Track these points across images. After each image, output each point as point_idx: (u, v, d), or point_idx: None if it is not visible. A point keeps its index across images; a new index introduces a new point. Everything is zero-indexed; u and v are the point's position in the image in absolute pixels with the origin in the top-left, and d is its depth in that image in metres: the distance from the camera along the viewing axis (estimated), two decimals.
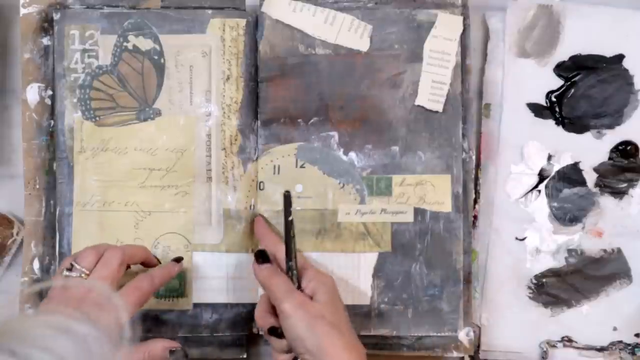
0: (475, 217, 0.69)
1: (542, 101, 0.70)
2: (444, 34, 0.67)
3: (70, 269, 0.57)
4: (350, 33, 0.68)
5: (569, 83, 0.70)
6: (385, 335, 0.67)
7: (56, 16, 0.67)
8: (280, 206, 0.67)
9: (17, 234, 0.68)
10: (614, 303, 0.69)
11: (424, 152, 0.67)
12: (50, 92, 0.67)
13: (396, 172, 0.67)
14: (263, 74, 0.68)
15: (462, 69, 0.68)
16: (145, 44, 0.67)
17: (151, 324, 0.66)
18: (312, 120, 0.68)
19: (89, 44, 0.67)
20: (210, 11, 0.67)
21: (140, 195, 0.66)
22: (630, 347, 0.69)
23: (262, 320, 0.61)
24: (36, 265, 0.66)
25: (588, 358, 0.69)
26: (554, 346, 0.69)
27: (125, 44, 0.67)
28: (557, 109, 0.70)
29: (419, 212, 0.67)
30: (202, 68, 0.67)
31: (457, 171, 0.67)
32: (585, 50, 0.70)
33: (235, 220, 0.67)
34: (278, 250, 0.62)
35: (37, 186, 0.67)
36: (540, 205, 0.70)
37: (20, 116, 0.67)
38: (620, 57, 0.70)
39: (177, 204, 0.67)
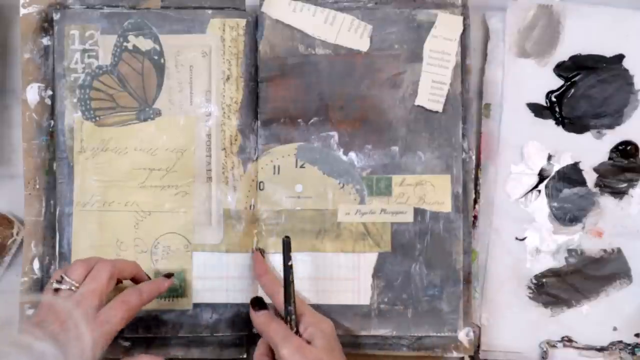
0: (475, 217, 0.69)
1: (542, 101, 0.70)
2: (444, 34, 0.67)
3: (60, 282, 0.57)
4: (350, 33, 0.68)
5: (569, 83, 0.70)
6: (385, 335, 0.67)
7: (56, 16, 0.67)
8: (280, 206, 0.67)
9: (17, 234, 0.68)
10: (614, 303, 0.69)
11: (424, 152, 0.67)
12: (50, 92, 0.67)
13: (396, 172, 0.67)
14: (263, 74, 0.68)
15: (462, 69, 0.68)
16: (145, 44, 0.67)
17: (151, 323, 0.66)
18: (312, 120, 0.68)
19: (89, 44, 0.67)
20: (210, 11, 0.67)
21: (140, 195, 0.66)
22: (630, 347, 0.69)
23: None
24: (36, 265, 0.66)
25: (588, 358, 0.69)
26: (554, 346, 0.69)
27: (125, 44, 0.67)
28: (557, 109, 0.70)
29: (418, 212, 0.67)
30: (202, 68, 0.67)
31: (457, 171, 0.67)
32: (585, 50, 0.70)
33: (235, 220, 0.67)
34: (276, 292, 0.63)
35: (37, 186, 0.67)
36: (540, 205, 0.70)
37: (20, 116, 0.67)
38: (620, 57, 0.70)
39: (177, 204, 0.67)
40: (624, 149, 0.70)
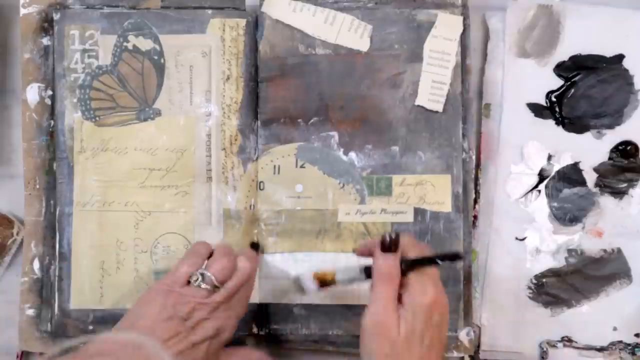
0: (475, 217, 0.69)
1: (542, 101, 0.70)
2: (444, 34, 0.67)
3: (202, 278, 0.57)
4: (350, 33, 0.68)
5: (569, 83, 0.70)
6: None
7: (56, 16, 0.67)
8: (280, 206, 0.67)
9: (17, 234, 0.68)
10: (614, 303, 0.69)
11: (424, 152, 0.67)
12: (50, 92, 0.67)
13: (396, 172, 0.67)
14: (263, 74, 0.68)
15: (462, 69, 0.68)
16: (145, 44, 0.67)
17: None
18: (312, 120, 0.68)
19: (89, 44, 0.67)
20: (210, 11, 0.67)
21: (140, 195, 0.66)
22: (630, 347, 0.69)
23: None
24: (36, 265, 0.66)
25: (588, 358, 0.69)
26: (554, 346, 0.69)
27: (125, 44, 0.67)
28: (557, 109, 0.70)
29: (419, 212, 0.67)
30: (202, 68, 0.67)
31: (457, 171, 0.67)
32: (585, 50, 0.70)
33: (235, 220, 0.67)
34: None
35: (37, 186, 0.67)
36: (540, 205, 0.70)
37: (20, 116, 0.67)
38: (620, 57, 0.70)
39: (177, 204, 0.67)
40: (624, 149, 0.70)
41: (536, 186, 0.70)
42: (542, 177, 0.70)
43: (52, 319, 0.66)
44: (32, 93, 0.67)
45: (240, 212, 0.67)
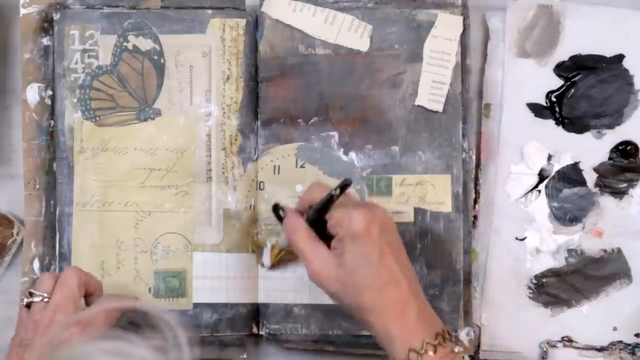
0: (475, 217, 0.69)
1: (542, 101, 0.70)
2: (444, 34, 0.67)
3: (30, 295, 0.57)
4: (350, 33, 0.68)
5: (569, 83, 0.70)
6: None
7: (56, 16, 0.67)
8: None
9: (17, 234, 0.68)
10: (614, 303, 0.69)
11: (424, 152, 0.67)
12: (50, 92, 0.67)
13: (396, 172, 0.67)
14: (263, 74, 0.68)
15: (462, 69, 0.68)
16: (145, 44, 0.67)
17: None
18: (312, 120, 0.68)
19: (89, 44, 0.67)
20: (210, 11, 0.67)
21: (140, 195, 0.66)
22: (630, 347, 0.69)
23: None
24: (36, 265, 0.66)
25: (588, 358, 0.69)
26: (554, 346, 0.69)
27: (125, 44, 0.67)
28: (557, 109, 0.70)
29: (419, 212, 0.67)
30: (202, 68, 0.67)
31: (457, 171, 0.67)
32: (585, 50, 0.70)
33: (235, 220, 0.67)
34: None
35: (37, 186, 0.67)
36: (540, 205, 0.70)
37: (20, 116, 0.67)
38: (620, 57, 0.70)
39: (177, 204, 0.67)
40: (624, 149, 0.70)
41: (536, 186, 0.70)
42: (542, 177, 0.70)
43: None
44: (32, 93, 0.67)
45: (240, 212, 0.67)
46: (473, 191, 0.69)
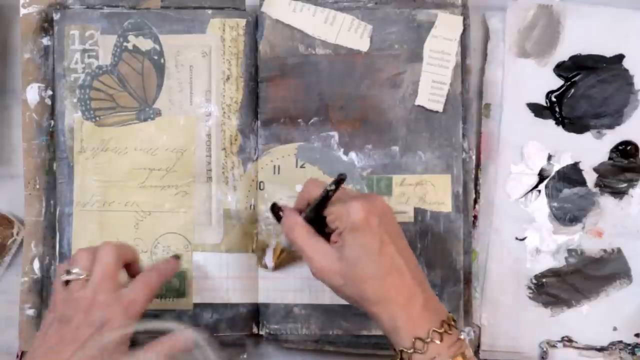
0: (475, 217, 0.69)
1: (542, 101, 0.70)
2: (444, 34, 0.67)
3: (69, 273, 0.56)
4: (350, 33, 0.68)
5: (569, 83, 0.70)
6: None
7: (56, 16, 0.67)
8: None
9: (17, 234, 0.68)
10: (614, 303, 0.69)
11: (424, 152, 0.67)
12: (50, 92, 0.67)
13: (396, 172, 0.67)
14: (263, 74, 0.68)
15: (462, 69, 0.68)
16: (145, 44, 0.67)
17: None
18: (312, 120, 0.68)
19: (89, 44, 0.67)
20: (210, 11, 0.67)
21: (140, 195, 0.66)
22: (630, 347, 0.69)
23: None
24: (36, 265, 0.66)
25: (588, 358, 0.69)
26: (554, 346, 0.69)
27: (125, 44, 0.67)
28: (557, 109, 0.70)
29: (419, 212, 0.67)
30: (202, 68, 0.67)
31: (457, 171, 0.67)
32: (585, 50, 0.70)
33: (235, 220, 0.67)
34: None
35: (37, 186, 0.67)
36: (540, 205, 0.70)
37: (20, 116, 0.67)
38: (620, 57, 0.70)
39: (177, 204, 0.67)
40: (624, 149, 0.70)
41: (536, 186, 0.70)
42: (542, 177, 0.70)
43: None
44: (32, 93, 0.67)
45: (240, 212, 0.67)
46: (473, 191, 0.69)
